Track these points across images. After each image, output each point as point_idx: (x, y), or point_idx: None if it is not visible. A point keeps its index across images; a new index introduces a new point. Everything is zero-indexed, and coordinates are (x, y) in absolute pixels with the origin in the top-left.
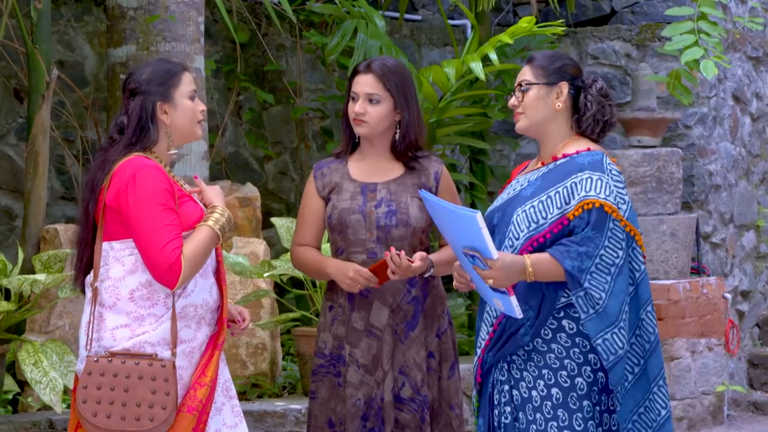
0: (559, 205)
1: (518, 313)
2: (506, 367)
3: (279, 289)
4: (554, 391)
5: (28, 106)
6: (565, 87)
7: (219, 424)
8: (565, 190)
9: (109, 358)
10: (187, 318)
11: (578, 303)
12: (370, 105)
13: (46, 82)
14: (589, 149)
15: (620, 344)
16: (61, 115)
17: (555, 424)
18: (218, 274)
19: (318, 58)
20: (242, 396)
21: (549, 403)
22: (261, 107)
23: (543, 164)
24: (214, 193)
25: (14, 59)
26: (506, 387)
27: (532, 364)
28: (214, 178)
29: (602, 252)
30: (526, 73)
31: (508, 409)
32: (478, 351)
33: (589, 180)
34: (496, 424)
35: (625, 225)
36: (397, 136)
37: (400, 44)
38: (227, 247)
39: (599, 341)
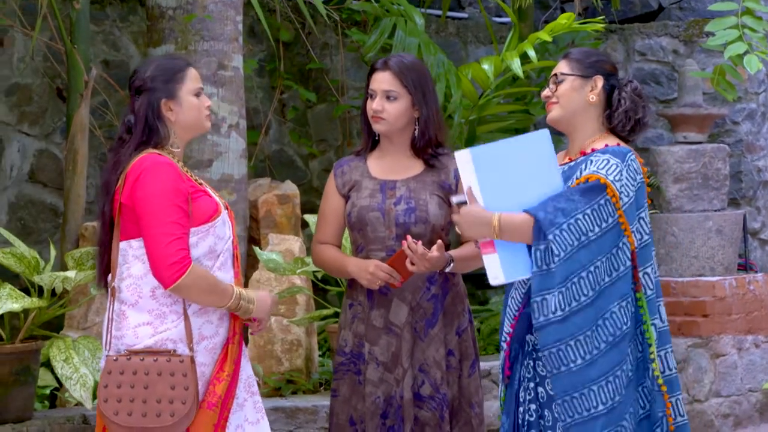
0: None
1: (492, 276)
2: (532, 364)
3: (322, 286)
4: None
5: (68, 105)
6: (600, 80)
7: (241, 420)
8: (579, 171)
9: (128, 357)
10: (209, 313)
11: (535, 256)
12: (387, 102)
13: (84, 81)
14: (618, 144)
15: (553, 308)
16: (105, 114)
17: None
18: (236, 268)
19: (360, 56)
20: (277, 392)
21: None
22: (305, 105)
23: (571, 160)
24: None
25: (59, 60)
26: (531, 384)
27: None
28: (258, 175)
29: (579, 216)
30: (562, 66)
31: (533, 406)
32: (504, 345)
33: (605, 161)
34: (520, 421)
35: (620, 215)
36: (416, 133)
37: (446, 42)
38: (263, 243)
39: (538, 299)
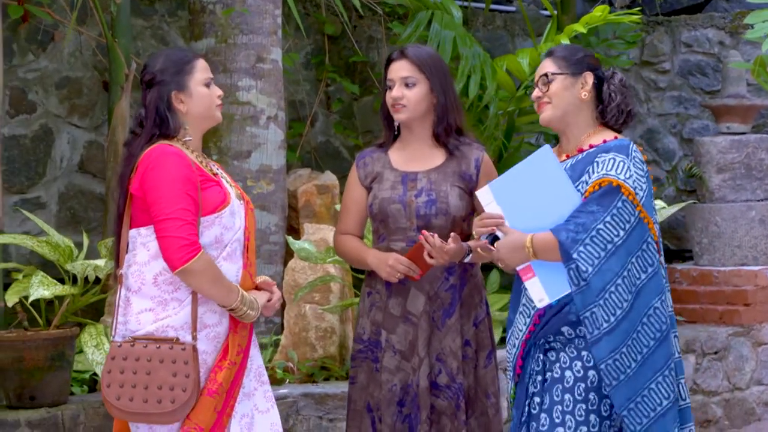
0: (582, 190)
1: (538, 299)
2: (541, 357)
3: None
4: (591, 373)
5: (109, 98)
6: (590, 77)
7: (248, 409)
8: (586, 175)
9: (132, 343)
10: (211, 302)
11: (570, 276)
12: (406, 89)
13: (125, 75)
14: (616, 137)
15: (601, 321)
16: None
17: (584, 406)
18: (245, 259)
19: None
20: (310, 378)
21: (583, 384)
22: (351, 98)
23: (568, 156)
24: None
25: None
26: (539, 377)
27: (572, 346)
28: (305, 166)
29: (600, 226)
30: (549, 66)
31: (537, 399)
32: (517, 342)
33: (612, 161)
34: (526, 413)
35: (640, 211)
36: (434, 119)
37: (494, 35)
38: (302, 233)
39: (587, 314)
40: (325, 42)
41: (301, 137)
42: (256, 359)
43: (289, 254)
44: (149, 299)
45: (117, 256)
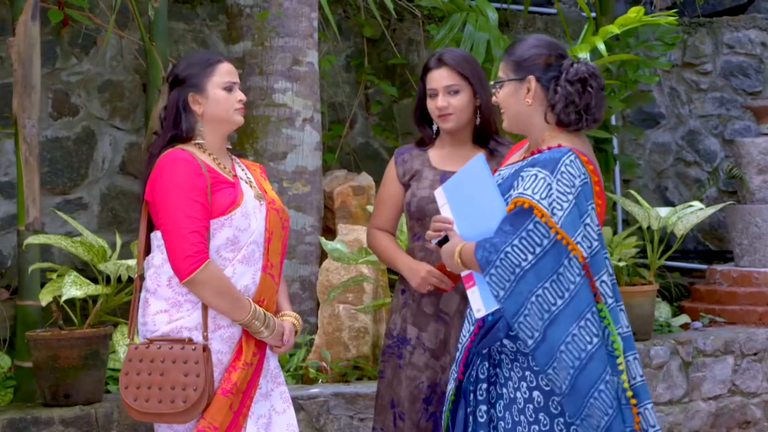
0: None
1: (475, 308)
2: (486, 365)
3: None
4: (535, 394)
5: (146, 100)
6: (532, 81)
7: (265, 410)
8: (513, 189)
9: (147, 345)
10: None
11: (492, 293)
12: (450, 97)
13: (162, 77)
14: (559, 146)
15: (524, 339)
16: None
17: (537, 428)
18: (265, 261)
19: None
20: (343, 378)
21: (531, 406)
22: (391, 100)
23: (524, 158)
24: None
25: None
26: (484, 385)
27: (518, 365)
28: (344, 167)
29: (508, 249)
30: (500, 69)
31: (483, 407)
32: (461, 347)
33: (533, 177)
34: (471, 421)
35: (557, 233)
36: (477, 122)
37: None
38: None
39: (516, 325)
40: (365, 44)
41: (340, 139)
42: (272, 360)
43: (324, 254)
44: (164, 301)
45: (139, 258)
